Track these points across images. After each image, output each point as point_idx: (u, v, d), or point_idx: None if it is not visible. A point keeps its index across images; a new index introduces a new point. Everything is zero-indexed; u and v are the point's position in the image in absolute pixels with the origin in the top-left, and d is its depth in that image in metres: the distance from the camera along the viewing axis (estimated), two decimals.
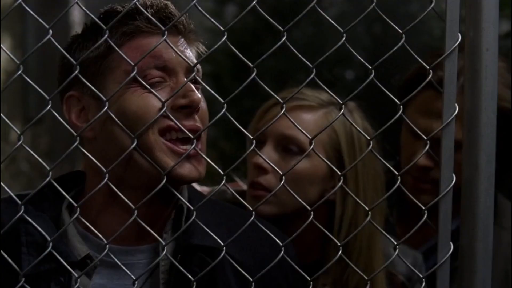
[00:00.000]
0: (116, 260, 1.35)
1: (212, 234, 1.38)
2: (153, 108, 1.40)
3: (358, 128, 1.51)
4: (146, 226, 1.37)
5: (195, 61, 1.48)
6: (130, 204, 1.34)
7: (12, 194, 1.33)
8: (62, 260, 1.34)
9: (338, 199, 1.73)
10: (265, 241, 1.48)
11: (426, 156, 1.81)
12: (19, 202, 1.30)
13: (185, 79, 1.44)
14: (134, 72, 1.35)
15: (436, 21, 5.00)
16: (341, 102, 1.43)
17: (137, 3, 1.40)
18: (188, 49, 1.48)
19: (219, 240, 1.39)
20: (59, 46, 1.43)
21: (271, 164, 1.46)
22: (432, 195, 1.61)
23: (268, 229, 1.43)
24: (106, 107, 1.34)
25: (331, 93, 1.48)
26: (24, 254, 1.40)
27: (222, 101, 1.37)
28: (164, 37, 1.35)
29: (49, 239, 1.32)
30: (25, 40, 5.84)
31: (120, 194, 1.34)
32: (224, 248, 1.38)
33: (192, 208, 1.38)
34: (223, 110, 1.37)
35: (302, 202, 1.39)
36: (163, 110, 1.37)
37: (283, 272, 1.50)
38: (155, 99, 1.40)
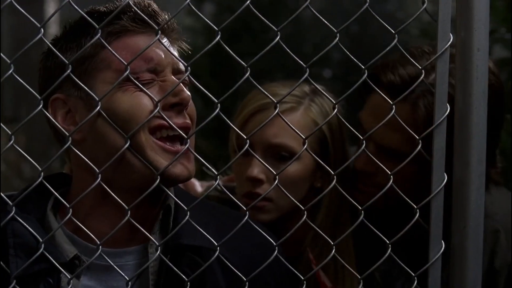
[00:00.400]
0: (111, 262, 1.34)
1: (205, 234, 1.38)
2: (145, 107, 1.40)
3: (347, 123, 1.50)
4: (139, 226, 1.36)
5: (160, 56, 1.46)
6: (124, 204, 1.33)
7: (3, 195, 1.32)
8: (54, 261, 1.33)
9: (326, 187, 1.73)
10: (252, 240, 1.49)
11: (366, 161, 1.71)
12: (10, 203, 1.29)
13: (173, 77, 1.45)
14: (128, 72, 1.34)
15: (414, 20, 5.02)
16: (334, 102, 1.44)
17: (122, 2, 1.40)
18: (171, 48, 1.49)
19: (212, 241, 1.38)
20: (52, 47, 1.42)
21: (269, 168, 1.44)
22: (369, 197, 1.51)
23: (260, 228, 1.44)
24: (98, 107, 1.33)
25: (326, 94, 1.49)
26: (11, 256, 1.38)
27: (216, 100, 1.37)
28: (157, 36, 1.35)
29: (41, 240, 1.31)
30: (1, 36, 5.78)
31: (113, 195, 1.33)
32: (218, 248, 1.37)
33: (185, 208, 1.38)
34: (217, 110, 1.36)
35: (298, 204, 1.40)
36: (157, 109, 1.36)
37: (271, 271, 1.51)
38: (146, 98, 1.40)
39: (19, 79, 1.42)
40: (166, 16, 1.47)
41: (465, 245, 1.47)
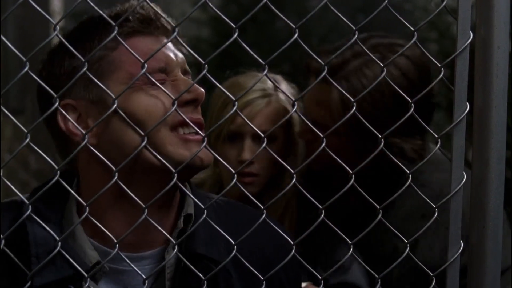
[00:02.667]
0: (133, 266, 1.33)
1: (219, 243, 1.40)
2: (162, 106, 1.40)
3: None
4: (155, 225, 1.34)
5: (169, 56, 1.47)
6: (141, 203, 1.31)
7: (22, 197, 1.29)
8: (81, 270, 1.31)
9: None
10: (268, 239, 1.50)
11: (305, 131, 2.07)
12: (28, 206, 1.27)
13: (183, 76, 1.46)
14: (145, 69, 1.33)
15: (420, 12, 5.00)
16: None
17: (128, 4, 1.43)
18: (177, 50, 1.50)
19: (232, 241, 1.37)
20: (66, 43, 1.40)
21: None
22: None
23: (277, 227, 1.43)
24: (115, 105, 1.31)
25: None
26: (34, 265, 1.36)
27: (233, 98, 1.37)
28: (175, 34, 1.34)
29: (58, 246, 1.28)
30: (5, 28, 5.76)
31: (131, 194, 1.32)
32: (232, 257, 1.36)
33: (202, 206, 1.37)
34: (235, 108, 1.36)
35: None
36: (174, 107, 1.35)
37: (284, 268, 1.50)
38: (162, 96, 1.40)
39: (35, 77, 1.41)
40: (168, 18, 1.48)
41: (484, 245, 1.46)
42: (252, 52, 1.40)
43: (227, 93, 1.45)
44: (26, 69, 1.34)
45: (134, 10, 1.44)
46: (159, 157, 1.37)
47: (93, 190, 1.38)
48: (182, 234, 1.44)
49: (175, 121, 1.40)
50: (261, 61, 1.38)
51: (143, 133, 1.35)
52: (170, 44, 1.48)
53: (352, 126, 1.75)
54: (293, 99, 1.52)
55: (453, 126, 1.45)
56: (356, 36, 1.41)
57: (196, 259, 1.42)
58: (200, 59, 1.39)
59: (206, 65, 1.35)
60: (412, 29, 1.45)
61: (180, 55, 1.48)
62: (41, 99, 1.49)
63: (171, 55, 1.46)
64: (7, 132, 5.45)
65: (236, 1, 5.56)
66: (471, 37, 1.44)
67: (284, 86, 2.11)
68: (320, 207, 1.40)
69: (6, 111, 1.35)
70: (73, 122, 1.40)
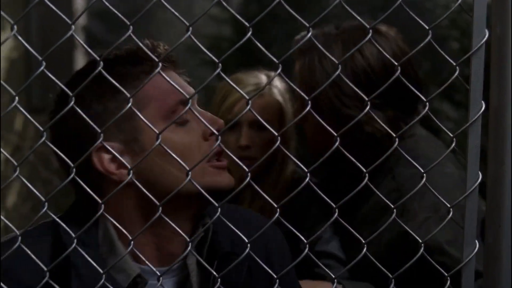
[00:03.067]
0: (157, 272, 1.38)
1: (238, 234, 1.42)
2: (196, 140, 1.48)
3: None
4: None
5: (191, 89, 1.53)
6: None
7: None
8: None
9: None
10: (271, 235, 1.59)
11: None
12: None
13: (198, 107, 1.52)
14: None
15: (442, 10, 4.97)
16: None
17: (142, 43, 1.45)
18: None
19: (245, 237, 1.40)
20: (81, 43, 1.42)
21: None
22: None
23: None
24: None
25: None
26: None
27: (247, 97, 1.37)
28: (189, 33, 1.35)
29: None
30: (28, 26, 5.81)
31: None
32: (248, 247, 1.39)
33: (216, 204, 1.38)
34: (248, 107, 1.37)
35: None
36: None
37: (282, 257, 1.61)
38: (192, 131, 1.48)
39: (51, 76, 1.42)
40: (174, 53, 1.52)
41: (500, 244, 1.45)
42: (266, 51, 1.40)
43: (238, 88, 1.50)
44: (42, 68, 1.36)
45: (156, 47, 1.48)
46: (199, 187, 1.40)
47: (122, 219, 1.45)
48: (202, 242, 1.50)
49: (213, 152, 1.46)
50: (274, 59, 1.38)
51: (187, 168, 1.35)
52: (177, 76, 1.52)
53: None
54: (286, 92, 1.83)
55: (469, 125, 1.44)
56: (370, 35, 1.41)
57: (223, 258, 1.48)
58: (214, 58, 1.39)
59: (220, 64, 1.36)
60: (427, 27, 1.44)
61: (187, 84, 1.53)
62: (70, 144, 1.48)
63: (186, 86, 1.51)
64: (30, 131, 5.50)
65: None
66: (486, 36, 1.43)
67: (277, 81, 2.38)
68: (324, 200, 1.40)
69: (21, 108, 1.36)
70: (120, 158, 1.40)
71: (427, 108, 1.45)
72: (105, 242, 1.45)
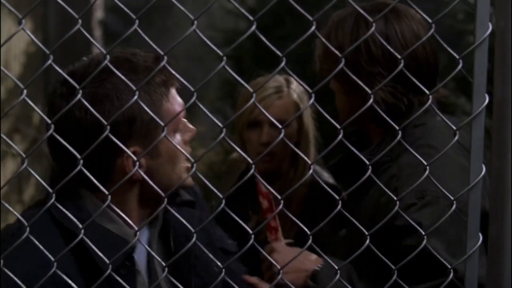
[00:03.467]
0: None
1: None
2: (185, 146, 1.73)
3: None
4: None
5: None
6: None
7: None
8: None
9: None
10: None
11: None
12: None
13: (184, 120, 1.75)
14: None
15: (459, 4, 4.94)
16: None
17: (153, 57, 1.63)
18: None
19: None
20: (89, 37, 1.44)
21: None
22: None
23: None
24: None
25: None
26: (96, 256, 1.59)
27: (251, 91, 1.39)
28: (194, 26, 1.36)
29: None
30: (47, 22, 5.84)
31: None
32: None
33: (221, 196, 1.41)
34: (253, 100, 1.38)
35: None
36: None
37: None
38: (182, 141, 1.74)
39: (64, 75, 1.46)
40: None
41: (503, 237, 1.46)
42: (271, 46, 1.44)
43: (248, 87, 1.52)
44: (50, 61, 1.38)
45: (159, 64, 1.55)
46: (204, 179, 1.58)
47: (123, 200, 1.70)
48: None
49: (186, 158, 1.72)
50: (278, 53, 1.40)
51: (190, 165, 1.67)
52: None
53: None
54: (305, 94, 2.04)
55: (472, 119, 1.45)
56: (373, 28, 1.42)
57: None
58: (219, 52, 1.41)
59: (225, 58, 1.38)
60: (430, 20, 1.45)
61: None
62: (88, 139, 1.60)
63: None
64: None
65: None
66: (490, 29, 1.44)
67: (294, 84, 2.62)
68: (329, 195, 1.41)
69: (31, 102, 1.39)
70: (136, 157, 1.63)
71: (430, 101, 1.46)
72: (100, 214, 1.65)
